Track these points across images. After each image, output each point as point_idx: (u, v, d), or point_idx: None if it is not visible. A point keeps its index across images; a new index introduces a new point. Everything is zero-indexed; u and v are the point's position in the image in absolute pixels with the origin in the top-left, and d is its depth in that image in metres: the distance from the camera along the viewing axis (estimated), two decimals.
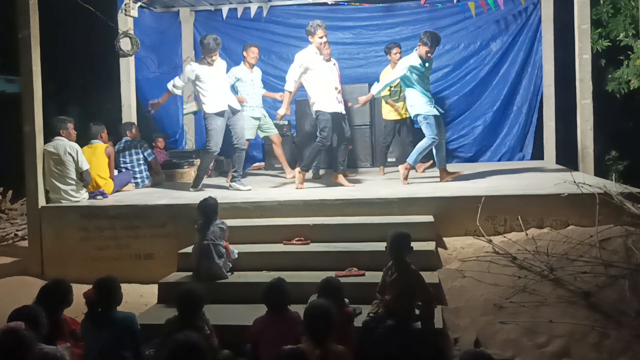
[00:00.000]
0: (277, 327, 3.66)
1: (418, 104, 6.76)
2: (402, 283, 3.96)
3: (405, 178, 6.76)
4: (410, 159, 6.78)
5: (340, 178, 6.91)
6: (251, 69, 8.06)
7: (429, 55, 6.71)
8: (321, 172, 8.12)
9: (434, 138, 6.66)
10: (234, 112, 6.84)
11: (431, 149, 6.82)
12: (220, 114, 6.73)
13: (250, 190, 6.78)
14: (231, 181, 6.97)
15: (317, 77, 6.75)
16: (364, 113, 9.16)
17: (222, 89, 6.81)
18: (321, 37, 6.70)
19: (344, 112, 7.01)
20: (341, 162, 7.02)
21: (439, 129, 6.74)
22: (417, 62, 6.69)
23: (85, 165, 6.51)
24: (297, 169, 6.84)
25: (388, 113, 8.21)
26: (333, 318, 3.25)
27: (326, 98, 6.74)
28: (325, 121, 6.70)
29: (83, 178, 6.50)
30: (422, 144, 6.73)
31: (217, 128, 6.74)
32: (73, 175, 6.42)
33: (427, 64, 6.79)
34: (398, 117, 8.12)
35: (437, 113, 6.73)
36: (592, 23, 7.77)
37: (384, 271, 4.16)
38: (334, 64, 7.37)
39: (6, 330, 3.00)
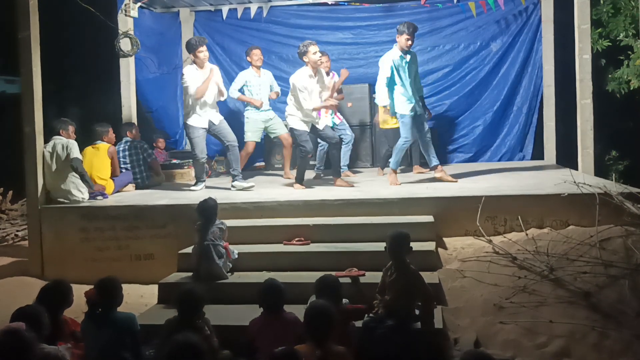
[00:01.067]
0: (276, 328, 3.67)
1: (397, 102, 6.79)
2: (401, 283, 3.96)
3: (393, 182, 6.79)
4: (392, 165, 6.86)
5: (340, 181, 6.95)
6: (259, 71, 8.03)
7: (409, 43, 6.67)
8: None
9: (405, 138, 6.73)
10: (214, 122, 6.92)
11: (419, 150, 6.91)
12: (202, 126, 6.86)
13: (253, 186, 6.81)
14: (232, 181, 6.94)
15: (303, 99, 6.71)
16: (364, 113, 9.16)
17: (210, 103, 6.85)
18: (315, 53, 6.69)
19: (330, 124, 7.25)
20: (335, 168, 7.09)
21: (419, 129, 6.75)
22: (397, 55, 6.70)
23: (74, 154, 6.32)
24: (295, 184, 6.87)
25: (383, 122, 8.04)
26: (334, 318, 3.26)
27: (305, 119, 6.81)
28: (302, 137, 6.81)
29: (74, 167, 6.31)
30: (397, 146, 6.82)
31: (200, 136, 6.87)
32: (73, 174, 6.39)
33: (408, 57, 6.77)
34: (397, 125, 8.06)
35: (411, 113, 6.71)
36: (592, 23, 7.75)
37: (384, 271, 4.16)
38: (331, 78, 7.36)
39: (7, 330, 3.01)
